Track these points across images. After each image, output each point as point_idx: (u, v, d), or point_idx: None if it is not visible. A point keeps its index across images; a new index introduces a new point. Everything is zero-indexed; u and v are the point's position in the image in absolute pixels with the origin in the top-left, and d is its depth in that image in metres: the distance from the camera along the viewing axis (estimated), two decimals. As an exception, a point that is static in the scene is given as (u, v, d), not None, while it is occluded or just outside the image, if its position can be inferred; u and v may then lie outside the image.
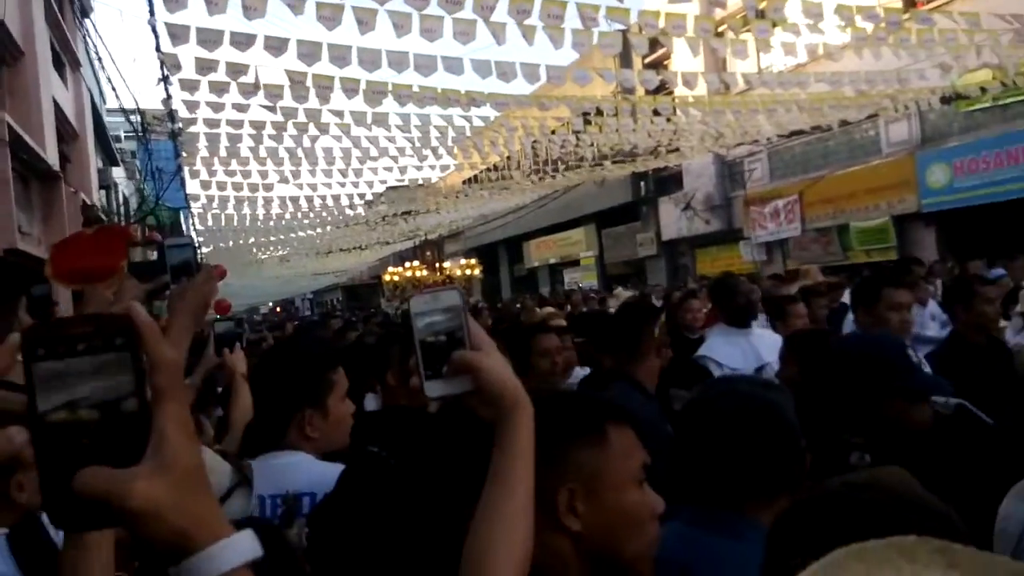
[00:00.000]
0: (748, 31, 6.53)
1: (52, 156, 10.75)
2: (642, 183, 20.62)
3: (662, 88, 10.37)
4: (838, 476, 1.08)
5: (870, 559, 0.56)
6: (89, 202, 12.75)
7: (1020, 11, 7.27)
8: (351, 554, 1.54)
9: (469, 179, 15.46)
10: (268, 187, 10.63)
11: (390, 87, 6.76)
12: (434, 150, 9.73)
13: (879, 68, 8.08)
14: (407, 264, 27.13)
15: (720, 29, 7.33)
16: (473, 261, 26.82)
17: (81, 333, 0.63)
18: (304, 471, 2.03)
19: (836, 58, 6.88)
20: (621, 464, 1.25)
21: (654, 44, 9.96)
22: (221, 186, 10.28)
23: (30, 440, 0.63)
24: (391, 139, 8.90)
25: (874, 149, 14.52)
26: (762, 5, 6.29)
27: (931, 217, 13.52)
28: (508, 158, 12.34)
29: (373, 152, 9.46)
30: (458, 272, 25.69)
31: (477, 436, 1.34)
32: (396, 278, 27.21)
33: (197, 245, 16.14)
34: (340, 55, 5.84)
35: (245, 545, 0.66)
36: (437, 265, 27.87)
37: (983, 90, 9.75)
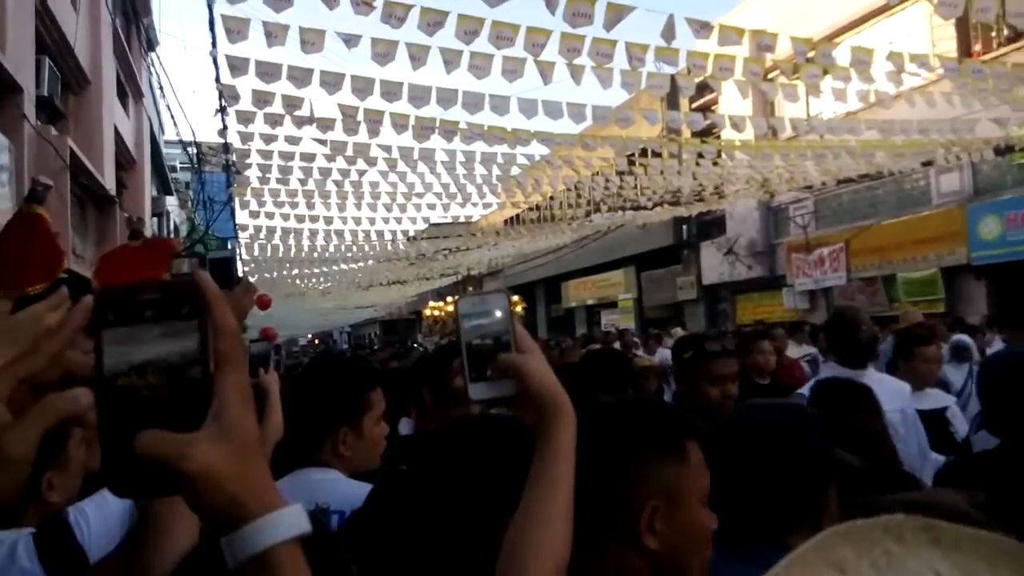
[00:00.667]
0: (798, 78, 6.51)
1: (110, 182, 11.11)
2: (684, 227, 20.53)
3: (708, 132, 10.37)
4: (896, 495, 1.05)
5: (858, 539, 0.57)
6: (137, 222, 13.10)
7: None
8: (379, 571, 1.51)
9: (511, 218, 15.56)
10: (314, 219, 10.85)
11: (438, 123, 6.88)
12: (478, 188, 9.84)
13: (932, 117, 7.99)
14: (448, 299, 27.05)
15: (771, 76, 7.32)
16: (516, 298, 26.59)
17: (149, 299, 0.64)
18: (335, 489, 2.02)
19: (887, 106, 6.81)
20: (696, 482, 1.24)
21: (702, 89, 9.99)
22: (269, 216, 10.51)
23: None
24: (436, 175, 9.03)
25: (924, 199, 14.29)
26: (811, 52, 6.28)
27: (981, 270, 13.19)
28: (551, 198, 12.41)
29: (418, 188, 9.61)
30: None
31: (507, 454, 1.32)
32: (437, 312, 27.12)
33: (241, 268, 16.47)
34: (391, 90, 5.98)
35: (295, 519, 0.67)
36: None
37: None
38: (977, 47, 13.26)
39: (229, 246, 22.87)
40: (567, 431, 1.05)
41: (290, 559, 0.65)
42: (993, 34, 13.20)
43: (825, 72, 6.13)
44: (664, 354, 9.42)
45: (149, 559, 1.02)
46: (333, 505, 1.97)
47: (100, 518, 1.70)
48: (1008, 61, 8.30)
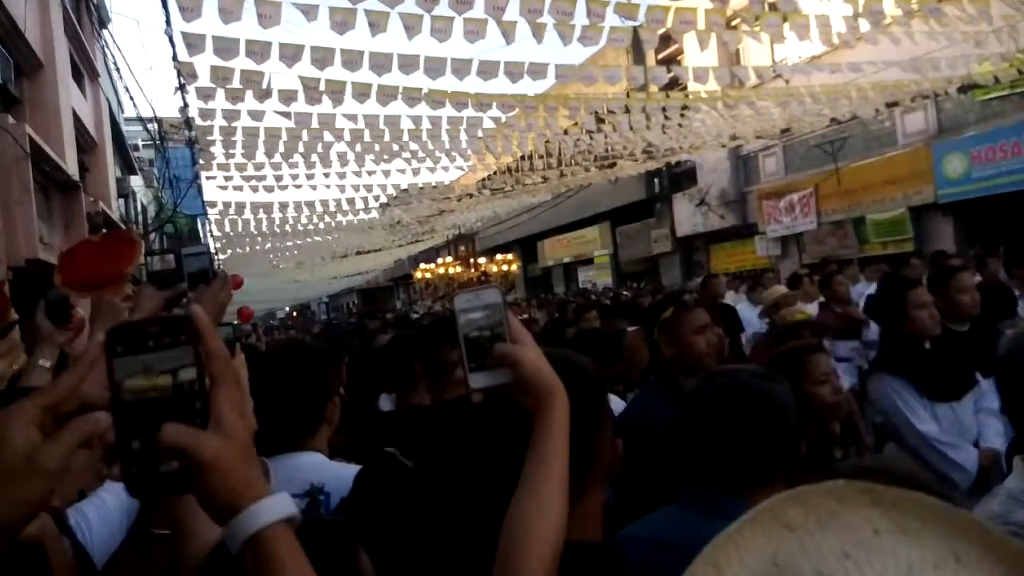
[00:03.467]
0: (759, 27, 6.50)
1: (72, 167, 10.89)
2: (656, 180, 20.58)
3: (675, 85, 10.33)
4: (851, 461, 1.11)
5: (805, 501, 0.64)
6: (108, 210, 12.91)
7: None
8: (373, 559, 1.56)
9: (483, 179, 15.49)
10: (283, 191, 10.73)
11: (400, 90, 6.81)
12: (447, 152, 9.78)
13: (894, 58, 8.02)
14: (440, 260, 26.17)
15: (733, 23, 7.29)
16: (511, 256, 25.58)
17: (153, 332, 0.78)
18: (320, 470, 2.04)
19: (851, 46, 6.84)
20: None
21: (666, 40, 9.92)
22: (237, 191, 10.38)
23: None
24: (403, 143, 8.95)
25: (890, 140, 14.42)
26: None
27: (948, 208, 13.40)
28: (522, 158, 12.36)
29: (386, 155, 9.52)
30: (494, 268, 24.60)
31: (493, 437, 1.36)
32: (428, 275, 26.14)
33: (214, 251, 16.31)
34: (352, 59, 5.90)
35: (283, 504, 0.79)
36: (472, 261, 26.58)
37: (996, 79, 9.65)
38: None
39: (199, 223, 22.55)
40: (561, 414, 1.13)
41: (282, 538, 0.77)
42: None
43: (784, 19, 6.13)
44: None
45: (182, 554, 1.16)
46: (327, 487, 2.01)
47: (100, 518, 1.76)
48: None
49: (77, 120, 12.22)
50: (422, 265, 27.40)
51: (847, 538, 0.61)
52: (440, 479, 1.46)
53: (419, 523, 1.46)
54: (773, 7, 6.30)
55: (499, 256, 25.58)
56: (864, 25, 6.45)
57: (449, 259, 26.30)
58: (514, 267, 25.12)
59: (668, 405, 2.18)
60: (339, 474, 2.01)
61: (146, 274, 1.63)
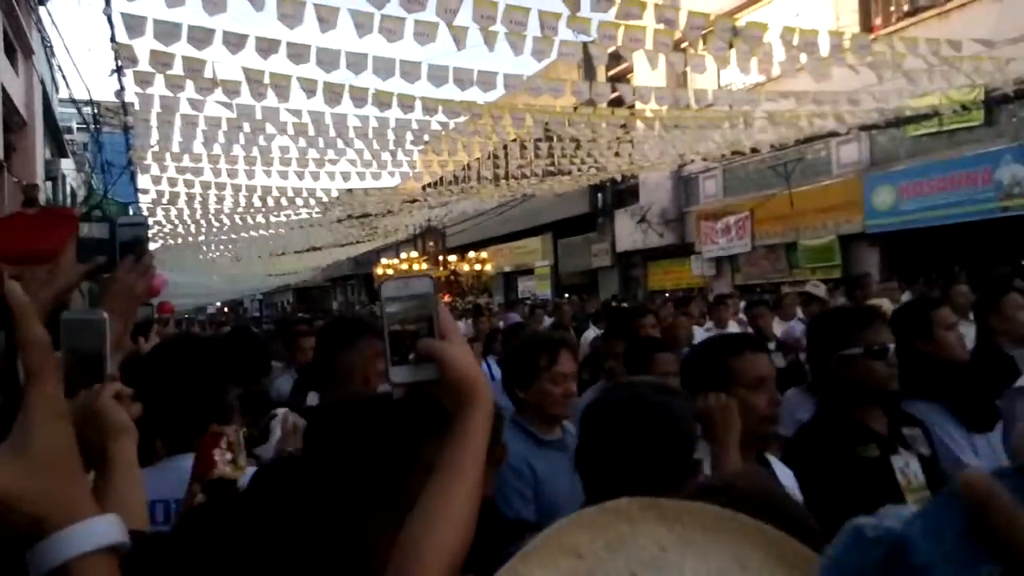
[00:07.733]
0: (706, 49, 6.64)
1: (-4, 144, 10.44)
2: (599, 195, 20.82)
3: (623, 102, 10.50)
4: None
5: (591, 524, 0.62)
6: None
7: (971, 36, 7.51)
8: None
9: (427, 184, 15.42)
10: (220, 185, 10.47)
11: (347, 88, 6.73)
12: (392, 154, 9.70)
13: (830, 89, 8.30)
14: (403, 256, 23.87)
15: (682, 45, 7.43)
16: (484, 255, 22.84)
17: None
18: None
19: (792, 76, 7.04)
20: None
21: (617, 58, 10.06)
22: (172, 182, 10.08)
23: None
24: (349, 140, 8.84)
25: (824, 169, 14.91)
26: (709, 28, 6.37)
27: (875, 238, 13.91)
28: (467, 166, 12.36)
29: (331, 154, 9.39)
30: (466, 267, 22.13)
31: (387, 437, 1.32)
32: (391, 272, 22.91)
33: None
34: (298, 52, 5.81)
35: (104, 529, 0.64)
36: (441, 259, 23.76)
37: (934, 114, 10.08)
38: (878, 20, 13.81)
39: (130, 211, 21.85)
40: (479, 420, 1.06)
41: (95, 570, 0.63)
42: (892, 8, 13.77)
43: (731, 45, 6.28)
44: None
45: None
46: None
47: None
48: (907, 34, 8.65)
49: (6, 97, 11.74)
50: (383, 260, 25.32)
51: (634, 557, 0.59)
52: (322, 480, 1.38)
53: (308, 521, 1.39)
54: (713, 33, 6.44)
55: (471, 254, 22.87)
56: (803, 57, 6.67)
57: (415, 254, 24.22)
58: (488, 267, 22.92)
59: None
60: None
61: (76, 240, 1.55)
